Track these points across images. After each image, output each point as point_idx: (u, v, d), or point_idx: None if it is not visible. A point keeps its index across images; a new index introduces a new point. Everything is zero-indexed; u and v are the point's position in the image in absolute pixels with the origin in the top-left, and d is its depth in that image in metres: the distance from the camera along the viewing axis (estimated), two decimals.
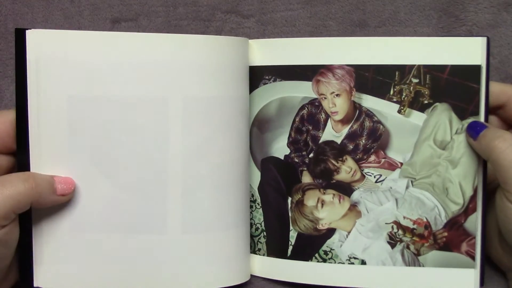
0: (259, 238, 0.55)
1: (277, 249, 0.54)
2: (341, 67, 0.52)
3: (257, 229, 0.55)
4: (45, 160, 0.49)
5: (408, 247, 0.52)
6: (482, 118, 0.50)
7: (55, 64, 0.48)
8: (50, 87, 0.49)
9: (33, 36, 0.48)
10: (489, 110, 0.51)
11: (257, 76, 0.54)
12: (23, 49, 0.48)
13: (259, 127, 0.55)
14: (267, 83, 0.54)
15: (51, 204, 0.48)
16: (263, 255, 0.55)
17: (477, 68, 0.50)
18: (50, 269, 0.50)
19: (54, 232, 0.49)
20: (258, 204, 0.55)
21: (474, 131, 0.49)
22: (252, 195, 0.55)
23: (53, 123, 0.49)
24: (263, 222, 0.55)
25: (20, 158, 0.49)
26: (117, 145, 0.49)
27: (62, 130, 0.49)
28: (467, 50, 0.50)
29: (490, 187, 0.52)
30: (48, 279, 0.50)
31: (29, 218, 0.49)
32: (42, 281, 0.50)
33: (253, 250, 0.55)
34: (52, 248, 0.50)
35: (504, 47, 0.56)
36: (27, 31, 0.49)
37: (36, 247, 0.50)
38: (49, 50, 0.48)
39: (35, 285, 0.50)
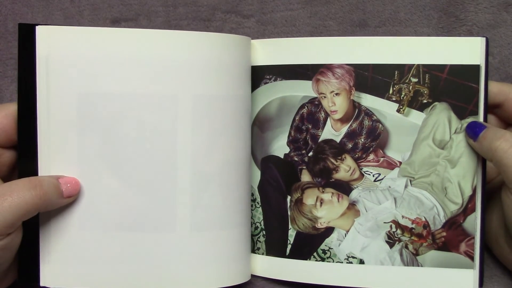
0: (259, 237, 0.55)
1: (276, 248, 0.54)
2: (340, 66, 0.52)
3: (256, 228, 0.55)
4: (54, 158, 0.49)
5: (406, 247, 0.52)
6: (481, 118, 0.50)
7: (65, 61, 0.48)
8: (60, 85, 0.48)
9: (43, 33, 0.48)
10: (488, 109, 0.51)
11: (259, 76, 0.54)
12: (32, 45, 0.48)
13: (259, 127, 0.55)
14: (268, 83, 0.54)
15: (57, 207, 0.48)
16: (262, 254, 0.55)
17: (476, 68, 0.50)
18: (57, 268, 0.49)
19: (61, 230, 0.49)
20: (258, 203, 0.55)
21: (473, 132, 0.49)
22: (252, 194, 0.55)
23: (63, 121, 0.48)
24: (262, 221, 0.55)
25: (27, 156, 0.49)
26: (126, 143, 0.49)
27: (71, 128, 0.48)
28: (466, 50, 0.50)
29: (491, 185, 0.52)
30: (55, 278, 0.49)
31: (36, 217, 0.48)
32: (49, 280, 0.49)
33: (253, 249, 0.55)
34: (60, 246, 0.49)
35: (504, 47, 0.56)
36: (37, 27, 0.48)
37: (43, 246, 0.49)
38: (60, 47, 0.48)
39: (41, 284, 0.49)
